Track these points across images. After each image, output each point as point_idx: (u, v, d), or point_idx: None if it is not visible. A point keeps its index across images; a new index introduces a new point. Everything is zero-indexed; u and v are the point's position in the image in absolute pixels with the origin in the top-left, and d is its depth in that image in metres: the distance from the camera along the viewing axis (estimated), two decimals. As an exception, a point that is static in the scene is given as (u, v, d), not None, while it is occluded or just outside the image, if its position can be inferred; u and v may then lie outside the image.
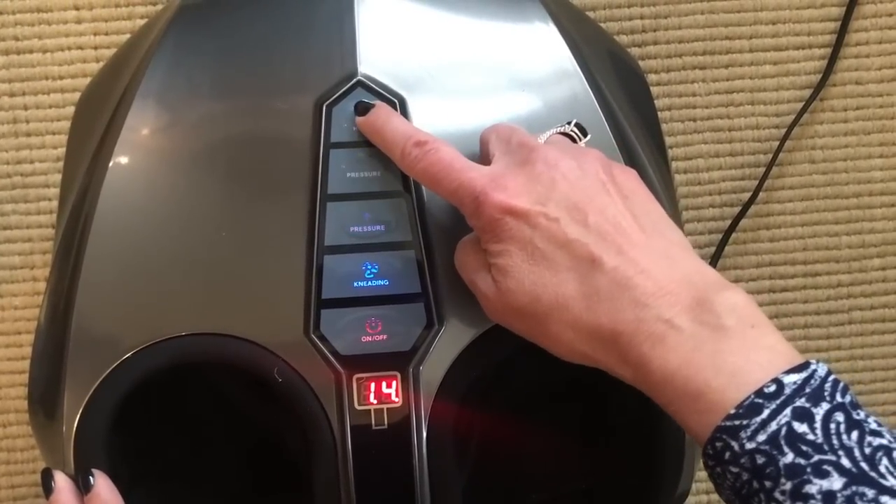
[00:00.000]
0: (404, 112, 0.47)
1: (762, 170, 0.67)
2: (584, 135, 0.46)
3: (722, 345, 0.37)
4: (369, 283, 0.45)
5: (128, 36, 0.63)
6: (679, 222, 0.52)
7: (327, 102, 0.46)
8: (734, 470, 0.36)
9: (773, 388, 0.36)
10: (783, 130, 0.67)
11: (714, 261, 0.68)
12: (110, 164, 0.46)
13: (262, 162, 0.46)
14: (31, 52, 0.65)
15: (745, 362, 0.37)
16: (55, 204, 0.65)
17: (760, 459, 0.36)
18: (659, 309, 0.39)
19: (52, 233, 0.65)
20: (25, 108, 0.65)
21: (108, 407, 0.45)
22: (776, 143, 0.67)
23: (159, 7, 0.64)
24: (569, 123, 0.46)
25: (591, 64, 0.50)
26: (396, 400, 0.44)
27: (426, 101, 0.47)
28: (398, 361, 0.44)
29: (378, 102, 0.46)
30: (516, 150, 0.43)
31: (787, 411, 0.36)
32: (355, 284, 0.45)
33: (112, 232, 0.45)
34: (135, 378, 0.45)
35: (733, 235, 0.68)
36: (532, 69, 0.48)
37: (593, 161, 0.43)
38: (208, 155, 0.46)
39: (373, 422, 0.44)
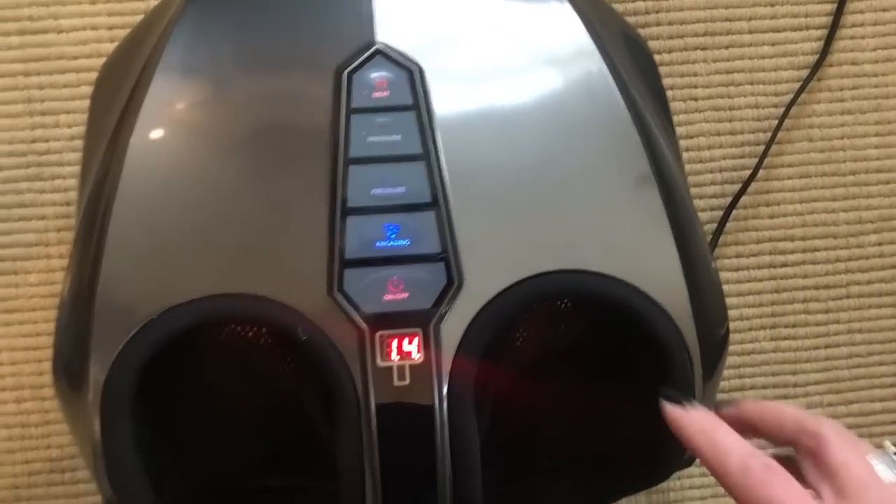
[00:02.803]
0: (422, 81, 0.48)
1: (762, 148, 0.69)
2: None
3: None
4: (391, 244, 0.46)
5: (141, 16, 0.64)
6: (689, 196, 0.53)
7: (348, 70, 0.47)
8: None
9: None
10: (782, 109, 0.69)
11: (716, 237, 0.69)
12: (133, 132, 0.47)
13: (284, 128, 0.47)
14: (45, 31, 0.66)
15: None
16: (70, 182, 0.66)
17: None
18: None
19: (67, 211, 0.66)
20: (40, 87, 0.66)
21: (132, 371, 0.45)
22: (775, 122, 0.69)
23: (173, -12, 0.65)
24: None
25: (605, 42, 0.51)
26: (418, 356, 0.45)
27: (443, 71, 0.48)
28: (420, 319, 0.45)
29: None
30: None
31: None
32: (378, 245, 0.46)
33: (136, 196, 0.46)
34: (160, 339, 0.45)
35: (734, 212, 0.69)
36: (549, 45, 0.49)
37: None
38: (231, 121, 0.47)
39: (395, 377, 0.45)
